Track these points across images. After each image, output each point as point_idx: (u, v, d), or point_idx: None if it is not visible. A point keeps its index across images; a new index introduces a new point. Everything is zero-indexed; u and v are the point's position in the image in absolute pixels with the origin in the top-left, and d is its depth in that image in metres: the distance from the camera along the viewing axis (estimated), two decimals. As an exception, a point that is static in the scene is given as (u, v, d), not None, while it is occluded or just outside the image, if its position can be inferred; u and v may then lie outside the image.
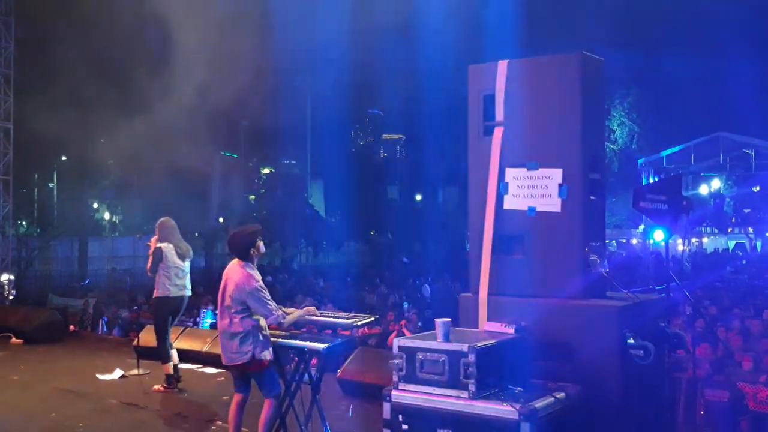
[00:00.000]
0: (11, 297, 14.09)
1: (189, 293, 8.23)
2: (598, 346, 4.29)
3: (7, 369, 9.47)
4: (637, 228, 31.93)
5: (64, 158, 35.06)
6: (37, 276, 22.52)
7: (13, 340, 11.43)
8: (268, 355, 5.41)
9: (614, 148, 35.99)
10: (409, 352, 4.20)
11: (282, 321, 5.42)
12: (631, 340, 4.22)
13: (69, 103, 22.95)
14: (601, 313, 4.41)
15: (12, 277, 14.40)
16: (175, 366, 8.22)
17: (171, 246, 8.07)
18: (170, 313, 8.21)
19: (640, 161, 33.46)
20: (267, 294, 5.40)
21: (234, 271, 5.50)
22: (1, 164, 13.98)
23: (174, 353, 8.26)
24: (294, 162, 46.41)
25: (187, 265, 8.17)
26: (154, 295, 8.16)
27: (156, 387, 8.15)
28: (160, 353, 8.17)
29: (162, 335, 8.16)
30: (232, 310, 5.37)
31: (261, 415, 5.47)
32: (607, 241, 5.57)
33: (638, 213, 6.95)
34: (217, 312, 5.58)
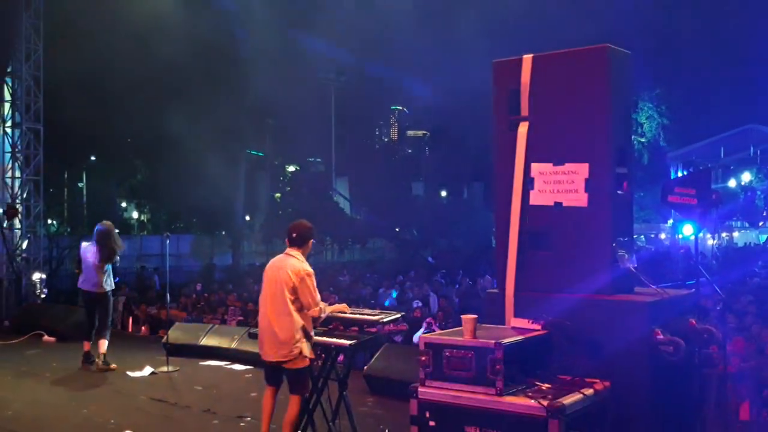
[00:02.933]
0: (43, 296, 14.31)
1: (103, 289, 9.30)
2: (626, 342, 4.23)
3: (39, 366, 9.65)
4: (666, 222, 31.55)
5: (93, 158, 35.60)
6: (68, 275, 22.82)
7: (45, 338, 11.63)
8: (311, 353, 5.43)
9: (642, 141, 35.56)
10: (436, 349, 4.19)
11: (322, 315, 5.48)
12: (661, 336, 4.17)
13: (97, 105, 23.28)
14: (629, 308, 4.36)
15: (44, 276, 14.62)
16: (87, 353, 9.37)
17: (85, 245, 9.44)
18: (88, 303, 9.50)
19: (668, 155, 33.05)
20: (315, 284, 5.46)
21: (283, 261, 5.52)
22: (31, 165, 14.18)
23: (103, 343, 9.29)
24: (319, 160, 46.59)
25: (97, 265, 9.21)
26: None
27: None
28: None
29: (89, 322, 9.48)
30: (284, 302, 5.35)
31: (287, 413, 5.48)
32: (635, 236, 5.51)
33: (667, 207, 6.86)
34: (263, 306, 5.54)
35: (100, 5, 17.66)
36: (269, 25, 21.93)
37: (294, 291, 5.36)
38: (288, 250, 5.57)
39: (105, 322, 9.37)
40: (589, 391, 4.06)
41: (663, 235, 32.16)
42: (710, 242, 25.72)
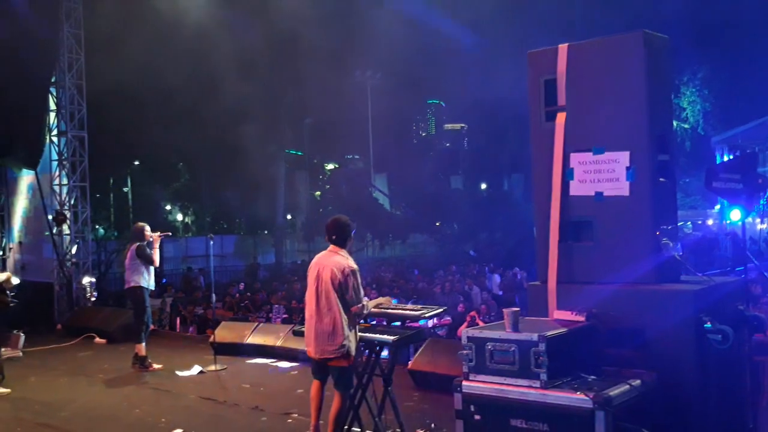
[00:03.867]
0: (93, 299, 14.66)
1: (129, 284, 9.48)
2: (673, 331, 4.17)
3: (92, 368, 9.90)
4: (713, 208, 30.84)
5: (136, 163, 36.34)
6: (117, 278, 23.38)
7: (97, 339, 11.92)
8: (354, 351, 5.47)
9: (686, 126, 34.81)
10: (478, 343, 4.19)
11: (364, 312, 5.51)
12: (708, 325, 4.10)
13: (139, 110, 23.73)
14: (675, 297, 4.29)
15: (93, 280, 14.96)
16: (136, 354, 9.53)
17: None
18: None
19: (713, 139, 32.25)
20: (360, 281, 5.49)
21: (328, 258, 5.54)
22: (78, 172, 14.53)
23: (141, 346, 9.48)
24: (357, 156, 46.71)
25: (125, 263, 9.54)
26: None
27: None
28: None
29: None
30: (330, 299, 5.39)
31: (331, 409, 5.53)
32: (681, 223, 5.43)
33: (712, 193, 6.73)
34: (309, 303, 5.59)
35: (139, 13, 17.97)
36: (305, 26, 22.07)
37: (340, 287, 5.39)
38: (331, 247, 5.61)
39: (136, 322, 9.56)
40: (636, 382, 4.01)
41: (710, 221, 31.44)
42: (760, 227, 25.08)
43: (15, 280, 8.50)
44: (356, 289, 5.42)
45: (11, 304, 8.33)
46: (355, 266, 5.48)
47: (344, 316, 5.39)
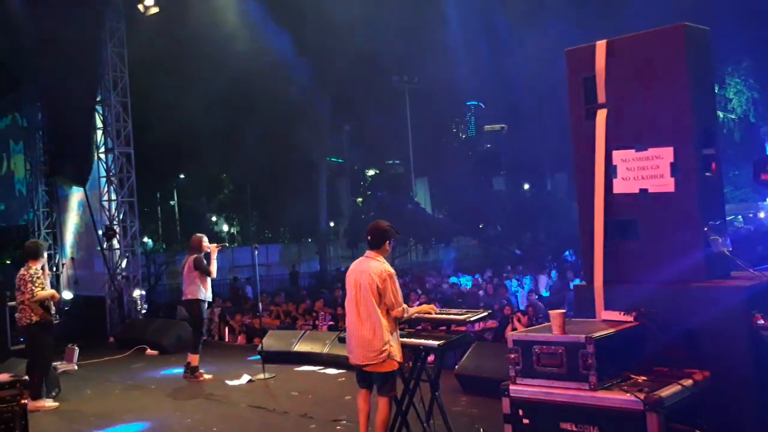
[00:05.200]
0: (144, 311, 14.95)
1: (186, 296, 9.64)
2: (724, 329, 4.08)
3: (144, 379, 10.10)
4: (765, 200, 29.99)
5: (182, 176, 37.01)
6: (166, 290, 23.82)
7: (148, 351, 12.15)
8: (399, 356, 5.47)
9: (733, 117, 33.94)
10: (525, 346, 4.16)
11: (404, 315, 5.51)
12: (761, 321, 3.99)
13: (182, 125, 24.17)
14: (725, 294, 4.20)
15: (143, 293, 15.26)
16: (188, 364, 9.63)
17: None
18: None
19: (762, 129, 31.37)
20: (398, 284, 5.51)
21: (364, 264, 5.57)
22: (125, 187, 14.86)
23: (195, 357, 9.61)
24: (398, 162, 46.76)
25: (184, 274, 9.67)
26: None
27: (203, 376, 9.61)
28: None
29: None
30: (370, 305, 5.40)
31: (377, 416, 5.52)
32: (731, 217, 5.29)
33: (761, 186, 6.56)
34: (350, 311, 5.61)
35: (181, 31, 18.32)
36: (342, 34, 22.25)
37: (378, 293, 5.40)
38: (368, 252, 5.63)
39: (193, 333, 9.73)
40: (688, 382, 3.93)
41: (762, 214, 30.59)
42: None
43: (67, 295, 8.71)
44: (395, 292, 5.42)
45: (55, 321, 8.51)
46: (391, 270, 5.48)
47: (384, 321, 5.39)
